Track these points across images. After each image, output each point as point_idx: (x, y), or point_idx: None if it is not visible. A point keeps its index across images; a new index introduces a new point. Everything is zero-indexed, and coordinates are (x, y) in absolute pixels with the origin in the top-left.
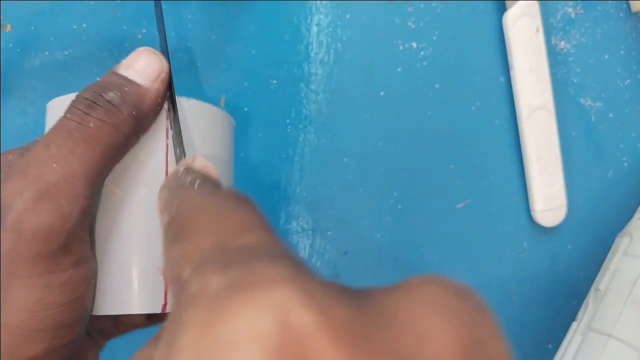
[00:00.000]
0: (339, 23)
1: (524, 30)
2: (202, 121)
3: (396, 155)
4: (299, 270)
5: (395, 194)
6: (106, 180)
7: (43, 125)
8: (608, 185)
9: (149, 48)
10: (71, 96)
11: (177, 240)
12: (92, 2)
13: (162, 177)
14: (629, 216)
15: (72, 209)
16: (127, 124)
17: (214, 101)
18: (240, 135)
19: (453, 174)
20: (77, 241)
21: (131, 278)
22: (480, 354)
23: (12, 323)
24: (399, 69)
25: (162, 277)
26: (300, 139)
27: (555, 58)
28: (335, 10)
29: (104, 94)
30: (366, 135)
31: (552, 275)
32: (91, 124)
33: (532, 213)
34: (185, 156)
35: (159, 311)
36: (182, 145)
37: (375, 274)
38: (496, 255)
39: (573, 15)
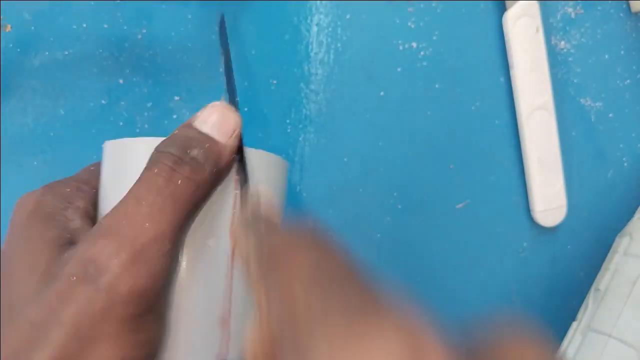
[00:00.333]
0: (339, 23)
1: (524, 30)
2: (266, 170)
3: (396, 155)
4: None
5: (395, 194)
6: None
7: (43, 125)
8: (608, 185)
9: (223, 103)
10: (140, 141)
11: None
12: (92, 2)
13: (228, 227)
14: (629, 216)
15: (162, 269)
16: (208, 180)
17: (213, 101)
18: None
19: (453, 174)
20: (161, 299)
21: (191, 328)
22: None
23: None
24: (399, 69)
25: (220, 327)
26: (300, 139)
27: (555, 58)
28: (335, 10)
29: (189, 151)
30: (366, 135)
31: (552, 275)
32: (179, 182)
33: (532, 213)
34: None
35: None
36: (247, 195)
37: (375, 274)
38: (496, 255)
39: (573, 15)
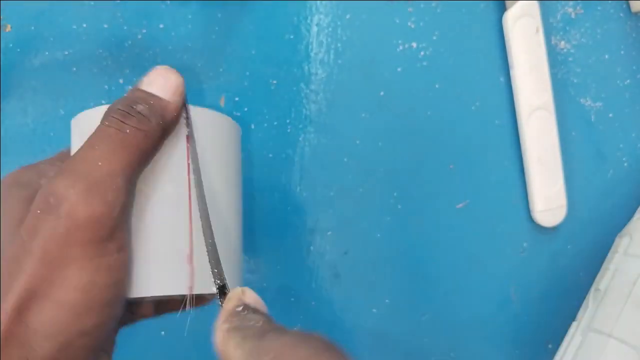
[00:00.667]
0: (339, 23)
1: (524, 30)
2: (211, 127)
3: (396, 155)
4: None
5: (395, 194)
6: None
7: (43, 124)
8: (608, 185)
9: (166, 66)
10: (96, 109)
11: None
12: (92, 2)
13: (184, 175)
14: (629, 216)
15: (116, 200)
16: (156, 131)
17: (214, 101)
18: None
19: (453, 174)
20: (120, 230)
21: (159, 263)
22: None
23: (67, 301)
24: (399, 69)
25: (187, 262)
26: (300, 139)
27: (555, 58)
28: (335, 10)
29: (134, 106)
30: (366, 135)
31: (552, 275)
32: (127, 131)
33: (532, 213)
34: (198, 157)
35: (185, 292)
36: (195, 148)
37: (375, 274)
38: (496, 255)
39: (573, 15)
